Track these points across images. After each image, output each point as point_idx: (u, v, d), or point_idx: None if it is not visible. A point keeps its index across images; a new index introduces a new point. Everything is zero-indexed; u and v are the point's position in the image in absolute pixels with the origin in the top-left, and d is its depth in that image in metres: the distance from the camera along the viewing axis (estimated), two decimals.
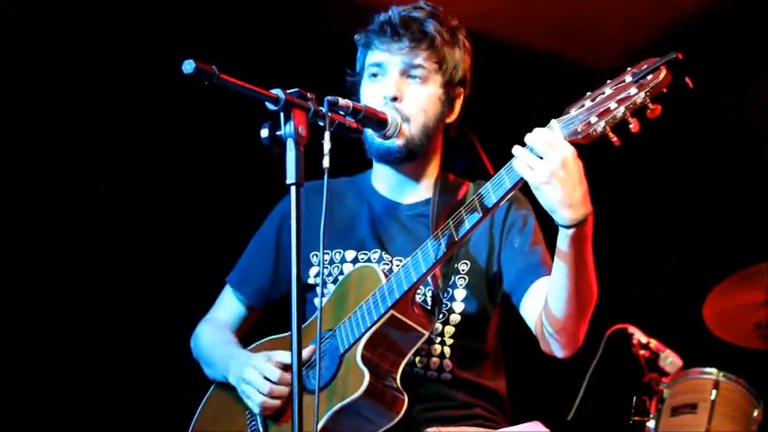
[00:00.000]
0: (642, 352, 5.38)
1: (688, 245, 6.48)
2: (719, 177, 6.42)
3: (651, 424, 5.22)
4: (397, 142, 3.34)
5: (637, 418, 4.99)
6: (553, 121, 2.82)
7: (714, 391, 5.23)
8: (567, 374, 5.00)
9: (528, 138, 2.83)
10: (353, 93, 3.49)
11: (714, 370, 5.30)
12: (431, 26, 3.38)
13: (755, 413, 5.25)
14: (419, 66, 3.36)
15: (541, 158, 2.79)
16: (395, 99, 3.33)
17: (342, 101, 3.08)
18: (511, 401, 3.50)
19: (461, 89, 3.48)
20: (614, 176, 6.26)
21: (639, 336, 5.41)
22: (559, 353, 3.22)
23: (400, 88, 3.34)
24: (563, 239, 2.91)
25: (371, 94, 3.37)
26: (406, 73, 3.37)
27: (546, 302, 3.11)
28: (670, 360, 5.37)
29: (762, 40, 6.11)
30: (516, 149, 2.85)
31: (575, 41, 6.35)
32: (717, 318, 5.61)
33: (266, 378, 3.26)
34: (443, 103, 3.43)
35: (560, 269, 2.98)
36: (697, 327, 5.59)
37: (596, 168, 5.80)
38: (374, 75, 3.40)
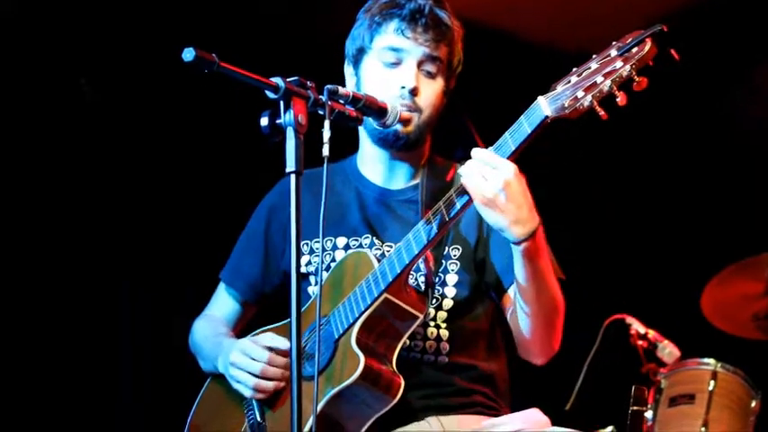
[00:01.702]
0: (640, 342, 5.40)
1: (686, 235, 6.49)
2: (718, 167, 6.42)
3: (649, 414, 5.23)
4: (408, 130, 3.34)
5: (635, 408, 4.98)
6: (540, 98, 2.84)
7: (712, 382, 5.23)
8: (566, 364, 5.00)
9: (473, 154, 2.90)
10: (353, 63, 3.48)
11: (712, 360, 5.30)
12: (449, 19, 3.39)
13: (753, 404, 5.26)
14: (438, 61, 3.36)
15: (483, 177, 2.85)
16: (414, 91, 3.31)
17: (342, 89, 3.08)
18: (511, 388, 3.52)
19: (454, 83, 3.50)
20: (613, 165, 6.28)
21: (637, 326, 5.43)
22: (534, 360, 3.31)
23: (417, 81, 3.33)
24: (516, 256, 2.98)
25: (386, 81, 3.32)
26: (421, 66, 3.35)
27: (514, 315, 3.20)
28: (668, 350, 5.38)
29: (759, 28, 6.12)
30: (463, 169, 2.92)
31: (575, 31, 6.34)
32: (715, 308, 5.62)
33: (254, 359, 3.26)
34: (445, 96, 3.45)
35: (519, 285, 3.07)
36: (695, 317, 5.61)
37: (596, 159, 5.85)
38: (392, 63, 3.35)
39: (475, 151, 2.91)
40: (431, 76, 3.37)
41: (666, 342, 5.40)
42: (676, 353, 5.39)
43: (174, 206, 5.50)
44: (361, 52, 3.43)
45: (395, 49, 3.34)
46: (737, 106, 6.43)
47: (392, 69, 3.35)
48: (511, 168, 2.86)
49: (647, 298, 6.14)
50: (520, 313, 3.15)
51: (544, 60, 6.17)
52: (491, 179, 2.85)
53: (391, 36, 3.35)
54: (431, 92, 3.37)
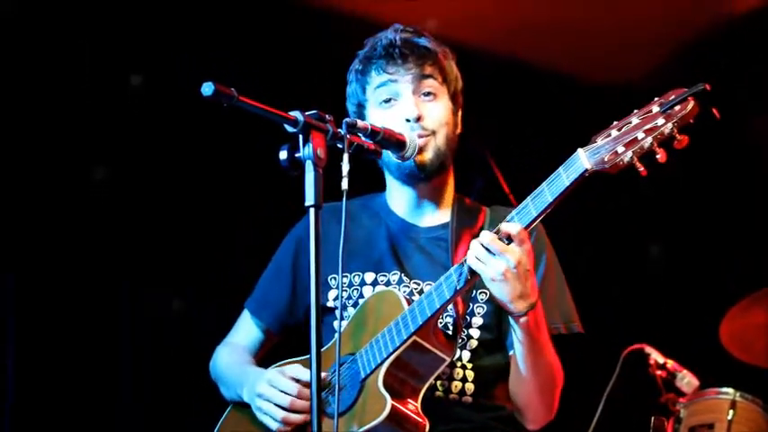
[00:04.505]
0: (659, 372, 5.37)
1: (705, 265, 6.47)
2: (736, 197, 6.41)
3: None
4: (427, 156, 3.34)
5: None
6: (579, 150, 2.83)
7: (731, 411, 5.22)
8: (584, 395, 4.99)
9: (503, 229, 2.93)
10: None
11: (731, 390, 5.29)
12: (429, 43, 3.42)
13: None
14: (430, 84, 3.39)
15: (493, 254, 2.90)
16: (419, 119, 3.33)
17: (360, 122, 3.10)
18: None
19: (460, 101, 3.51)
20: (631, 196, 6.26)
21: (656, 356, 5.40)
22: (527, 425, 3.35)
23: (419, 107, 3.35)
24: (516, 328, 3.04)
25: (388, 119, 3.34)
26: (417, 92, 3.38)
27: (511, 380, 3.26)
28: (687, 380, 5.35)
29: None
30: (474, 244, 2.94)
31: (589, 62, 6.36)
32: (733, 338, 5.59)
33: (282, 391, 3.23)
34: (454, 115, 3.46)
35: (517, 355, 3.12)
36: (713, 347, 5.58)
37: (615, 190, 5.83)
38: (386, 100, 3.39)
39: (484, 235, 2.94)
40: (431, 97, 3.39)
41: (685, 372, 5.37)
42: (695, 382, 5.36)
43: (173, 206, 5.50)
44: (360, 107, 3.47)
45: (387, 89, 3.39)
46: (755, 135, 6.42)
47: (391, 108, 3.38)
48: (517, 253, 2.90)
49: (666, 328, 6.12)
50: (515, 382, 3.24)
51: (567, 92, 6.21)
52: (505, 254, 2.89)
53: (377, 79, 3.40)
54: (437, 111, 3.39)
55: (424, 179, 3.41)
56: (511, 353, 3.26)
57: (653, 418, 4.63)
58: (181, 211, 5.51)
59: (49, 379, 5.23)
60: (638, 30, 6.12)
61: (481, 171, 4.90)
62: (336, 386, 2.83)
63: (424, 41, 3.43)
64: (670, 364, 5.38)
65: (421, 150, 3.33)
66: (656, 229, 6.57)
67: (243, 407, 3.45)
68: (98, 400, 5.35)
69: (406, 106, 3.35)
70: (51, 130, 5.29)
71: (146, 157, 5.48)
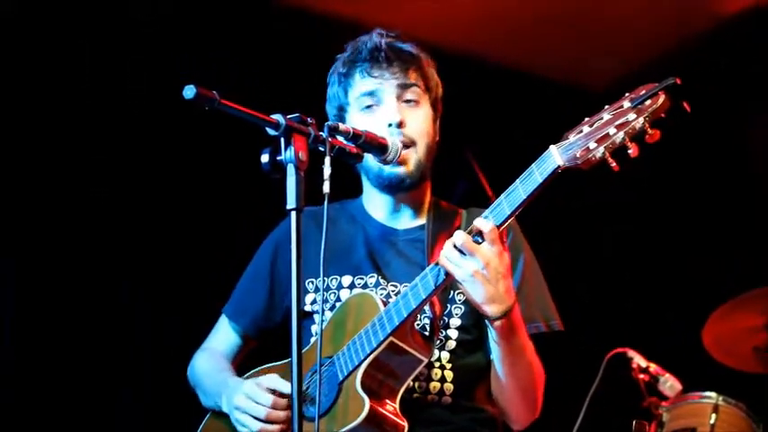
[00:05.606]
0: (641, 376, 5.39)
1: (687, 269, 6.48)
2: (718, 202, 6.43)
3: None
4: (409, 168, 3.35)
5: None
6: (552, 147, 2.84)
7: (713, 415, 5.23)
8: (567, 399, 4.99)
9: (475, 225, 2.93)
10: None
11: (713, 394, 5.30)
12: (412, 48, 3.44)
13: None
14: (413, 90, 3.40)
15: (464, 255, 2.91)
16: (401, 125, 3.32)
17: (342, 126, 3.09)
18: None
19: (440, 108, 3.51)
20: (615, 199, 6.28)
21: (639, 360, 5.42)
22: (512, 425, 3.37)
23: (401, 113, 3.35)
24: (491, 332, 3.05)
25: (370, 124, 3.32)
26: (401, 98, 3.38)
27: (491, 380, 3.28)
28: (669, 384, 5.37)
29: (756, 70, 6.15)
30: (446, 244, 2.95)
31: (570, 66, 6.38)
32: (716, 342, 5.60)
33: (258, 403, 3.23)
34: (435, 123, 3.45)
35: (494, 357, 3.15)
36: (696, 351, 5.59)
37: (599, 194, 5.85)
38: (368, 105, 3.39)
39: (457, 235, 2.94)
40: (413, 104, 3.39)
41: (668, 375, 5.39)
42: (678, 386, 5.38)
43: (173, 206, 5.50)
44: (341, 110, 3.46)
45: (369, 93, 3.39)
46: (737, 143, 6.45)
47: (374, 113, 3.38)
48: (486, 255, 2.91)
49: (649, 331, 6.13)
50: (495, 385, 3.27)
51: (550, 96, 6.22)
52: (475, 255, 2.90)
53: (360, 83, 3.40)
54: (419, 119, 3.38)
55: (404, 189, 3.42)
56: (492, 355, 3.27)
57: (635, 422, 4.64)
58: (181, 212, 5.51)
59: (48, 380, 5.23)
60: (635, 31, 6.14)
61: (464, 174, 4.91)
62: (318, 389, 2.83)
63: (408, 47, 3.43)
64: (653, 367, 5.40)
65: (402, 162, 3.33)
66: (640, 232, 6.59)
67: (221, 415, 3.44)
68: (98, 400, 5.35)
69: (389, 111, 3.35)
70: (51, 132, 5.30)
71: (145, 156, 5.48)
